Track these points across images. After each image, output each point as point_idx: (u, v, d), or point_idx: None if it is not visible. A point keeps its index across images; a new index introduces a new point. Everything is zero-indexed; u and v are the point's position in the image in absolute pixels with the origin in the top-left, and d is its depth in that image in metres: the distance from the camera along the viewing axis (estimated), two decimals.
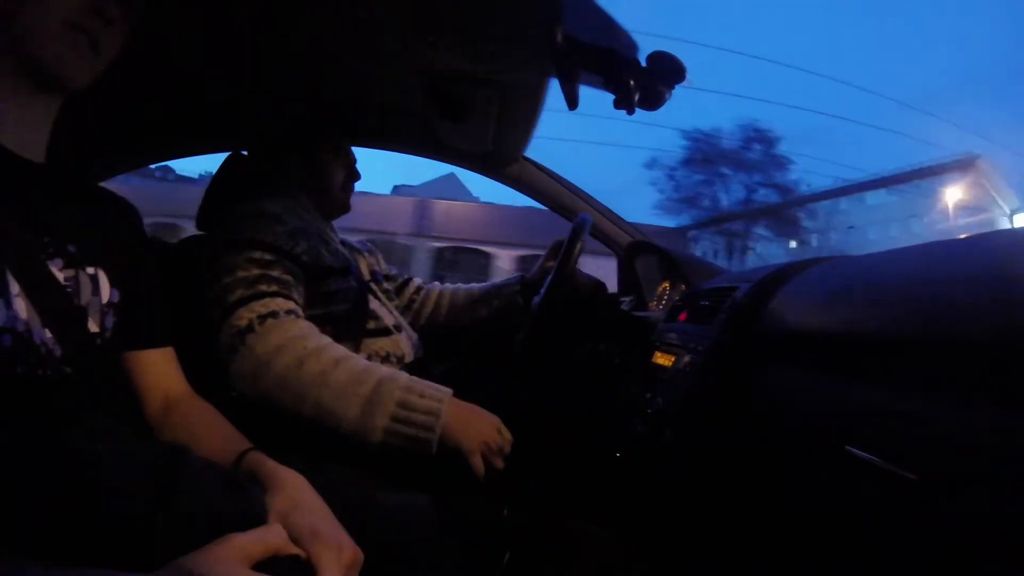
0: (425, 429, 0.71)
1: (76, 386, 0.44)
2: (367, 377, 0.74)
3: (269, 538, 0.34)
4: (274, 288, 0.81)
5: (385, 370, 0.76)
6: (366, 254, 1.17)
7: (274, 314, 0.78)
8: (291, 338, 0.76)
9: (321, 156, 1.06)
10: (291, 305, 0.82)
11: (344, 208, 1.11)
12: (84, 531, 0.28)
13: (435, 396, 0.74)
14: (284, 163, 1.06)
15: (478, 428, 0.74)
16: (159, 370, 0.57)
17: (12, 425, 0.39)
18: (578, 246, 0.97)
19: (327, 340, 0.79)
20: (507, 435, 0.77)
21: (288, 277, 0.85)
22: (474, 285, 1.32)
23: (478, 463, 0.73)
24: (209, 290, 0.82)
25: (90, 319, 0.49)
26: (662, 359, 0.86)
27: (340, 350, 0.78)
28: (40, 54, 0.46)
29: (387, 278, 1.22)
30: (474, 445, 0.73)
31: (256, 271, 0.81)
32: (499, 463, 0.75)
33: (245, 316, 0.77)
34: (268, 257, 0.84)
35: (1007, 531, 0.30)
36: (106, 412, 0.46)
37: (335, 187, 1.06)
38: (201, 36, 0.87)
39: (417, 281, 1.31)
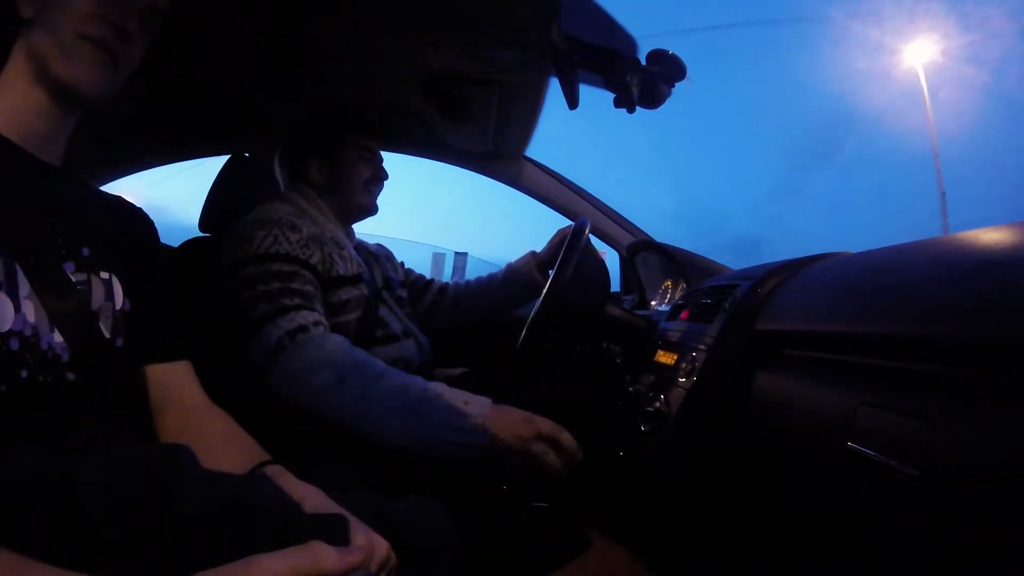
0: (477, 433, 0.72)
1: (79, 393, 0.44)
2: (410, 390, 0.75)
3: (301, 560, 0.29)
4: (297, 301, 0.81)
5: (424, 382, 0.77)
6: (382, 259, 1.17)
7: (303, 328, 0.78)
8: (328, 353, 0.77)
9: (345, 155, 1.04)
10: (316, 316, 0.82)
11: (369, 209, 1.09)
12: (80, 536, 0.28)
13: (479, 402, 0.75)
14: (303, 166, 1.05)
15: (518, 429, 0.74)
16: (177, 384, 0.56)
17: (11, 431, 0.39)
18: (576, 250, 0.96)
19: (362, 354, 0.79)
20: (561, 437, 0.76)
21: (309, 288, 0.85)
22: (492, 274, 1.31)
23: (530, 462, 0.73)
24: (230, 300, 0.82)
25: (102, 324, 0.48)
26: (664, 357, 0.86)
27: (378, 364, 0.78)
28: (60, 68, 0.46)
29: (403, 284, 1.21)
30: (524, 444, 0.73)
31: (277, 284, 0.81)
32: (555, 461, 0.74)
33: (273, 333, 0.77)
34: (287, 268, 0.84)
35: (1009, 529, 0.30)
36: (111, 420, 0.46)
37: (358, 186, 1.05)
38: (200, 37, 0.87)
39: (439, 283, 1.31)
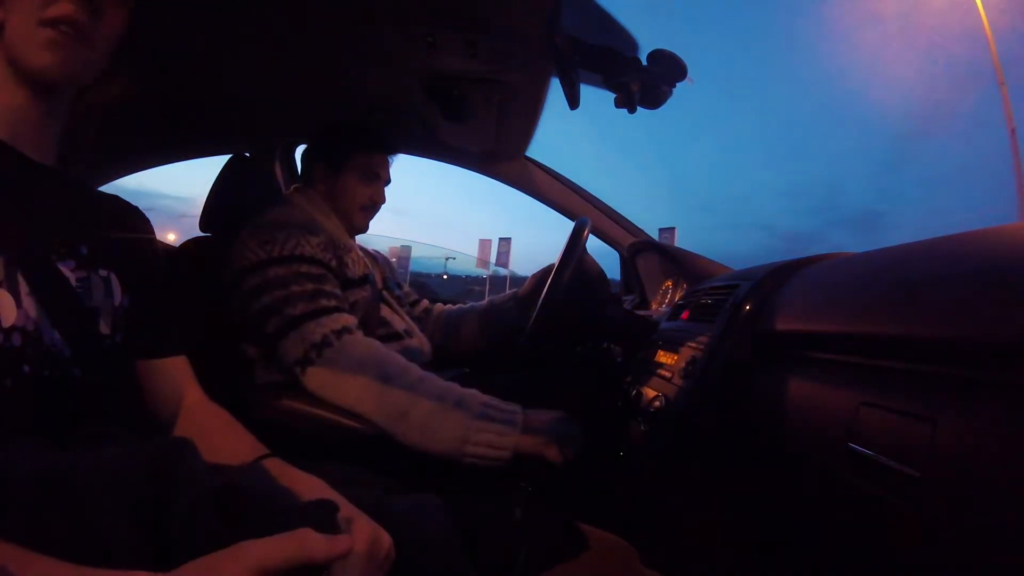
0: (507, 449, 0.79)
1: (83, 388, 0.44)
2: (450, 394, 0.80)
3: (288, 547, 0.29)
4: (334, 303, 0.85)
5: (461, 388, 0.82)
6: (380, 260, 1.18)
7: (348, 330, 0.83)
8: (374, 353, 0.82)
9: (348, 174, 1.04)
10: (355, 320, 0.86)
11: (359, 230, 1.10)
12: (80, 532, 0.28)
13: (511, 407, 0.82)
14: (309, 170, 1.06)
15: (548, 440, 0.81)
16: (174, 378, 0.56)
17: (16, 425, 0.39)
18: (577, 249, 0.96)
19: (403, 359, 0.84)
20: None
21: (338, 291, 0.89)
22: (474, 304, 1.32)
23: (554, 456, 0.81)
24: (255, 300, 0.84)
25: (101, 321, 0.48)
26: (664, 357, 0.86)
27: (418, 369, 0.83)
28: (26, 58, 0.45)
29: (398, 286, 1.22)
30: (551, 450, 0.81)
31: (311, 286, 0.85)
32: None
33: (318, 330, 0.81)
34: (316, 271, 0.87)
35: (1009, 531, 0.30)
36: (112, 415, 0.46)
37: (352, 206, 1.05)
38: (201, 37, 0.88)
39: (425, 303, 1.32)
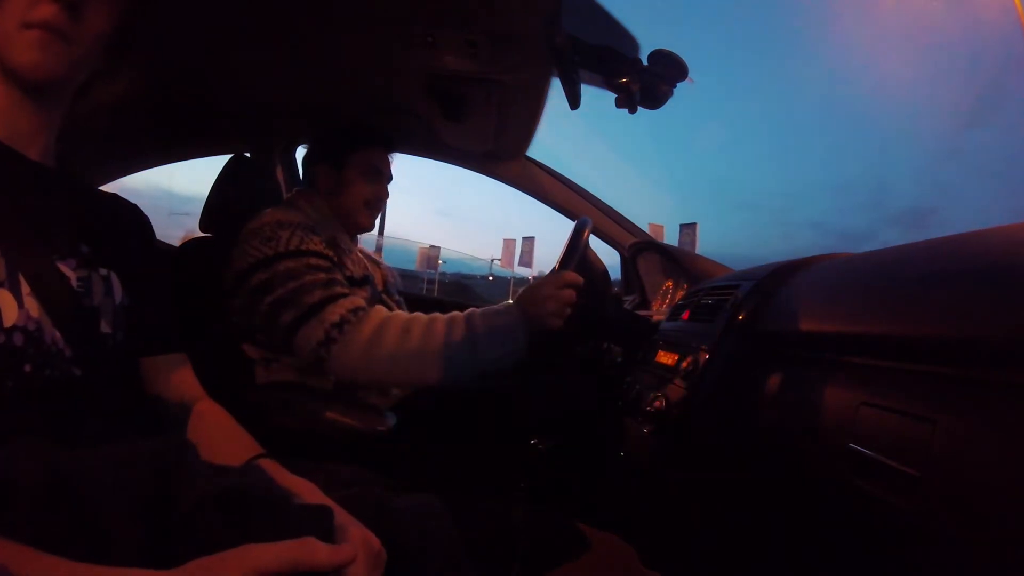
0: (519, 329, 0.85)
1: (84, 387, 0.45)
2: (454, 320, 0.87)
3: (293, 554, 0.30)
4: (346, 290, 0.90)
5: (460, 313, 0.89)
6: (381, 265, 1.18)
7: (361, 308, 0.88)
8: (386, 316, 0.87)
9: (350, 171, 1.05)
10: (363, 301, 0.90)
11: (364, 228, 1.10)
12: (83, 530, 0.28)
13: (502, 305, 0.89)
14: (312, 171, 1.06)
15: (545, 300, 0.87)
16: (174, 376, 0.57)
17: (17, 424, 0.39)
18: (578, 249, 0.96)
19: (409, 313, 0.90)
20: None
21: (346, 282, 0.92)
22: None
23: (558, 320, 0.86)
24: (265, 295, 0.87)
25: (103, 320, 0.49)
26: (665, 358, 0.86)
27: (424, 315, 0.90)
28: (11, 58, 0.46)
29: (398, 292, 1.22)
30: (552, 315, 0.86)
31: (323, 276, 0.88)
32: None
33: (336, 311, 0.85)
34: (324, 263, 0.90)
35: (1008, 530, 0.30)
36: (114, 415, 0.46)
37: (356, 204, 1.06)
38: (202, 37, 0.88)
39: None
